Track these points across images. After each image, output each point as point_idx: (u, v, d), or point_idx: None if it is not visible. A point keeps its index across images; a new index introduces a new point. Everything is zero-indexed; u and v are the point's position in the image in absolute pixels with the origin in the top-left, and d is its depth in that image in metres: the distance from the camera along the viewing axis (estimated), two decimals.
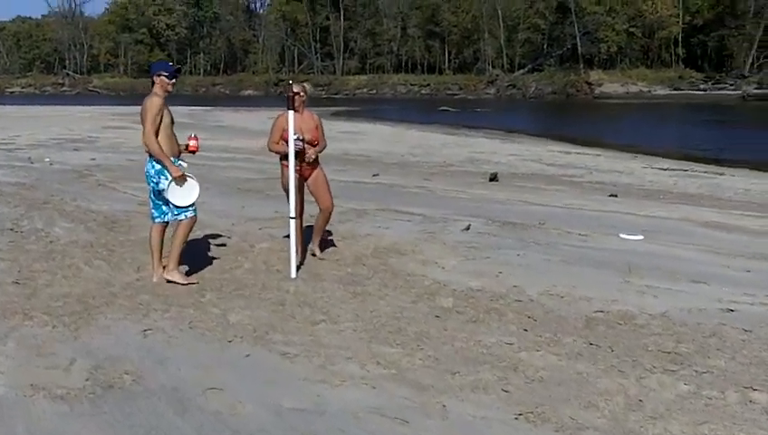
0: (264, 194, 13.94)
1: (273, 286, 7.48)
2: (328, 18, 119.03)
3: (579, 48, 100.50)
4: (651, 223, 11.47)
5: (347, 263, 8.52)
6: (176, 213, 7.57)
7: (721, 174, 20.12)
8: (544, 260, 8.66)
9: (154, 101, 7.41)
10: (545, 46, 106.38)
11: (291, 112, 7.75)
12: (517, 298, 7.09)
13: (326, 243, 9.29)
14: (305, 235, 8.83)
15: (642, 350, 5.73)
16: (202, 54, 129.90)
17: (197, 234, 9.50)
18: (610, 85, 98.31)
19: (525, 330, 6.17)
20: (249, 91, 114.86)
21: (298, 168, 8.31)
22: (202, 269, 8.12)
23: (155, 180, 7.52)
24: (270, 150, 8.50)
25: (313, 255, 8.80)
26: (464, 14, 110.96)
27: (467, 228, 10.49)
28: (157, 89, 7.58)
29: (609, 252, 9.20)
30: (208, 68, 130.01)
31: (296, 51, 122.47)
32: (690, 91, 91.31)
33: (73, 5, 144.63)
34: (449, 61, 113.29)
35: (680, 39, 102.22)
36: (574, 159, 23.58)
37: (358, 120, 48.09)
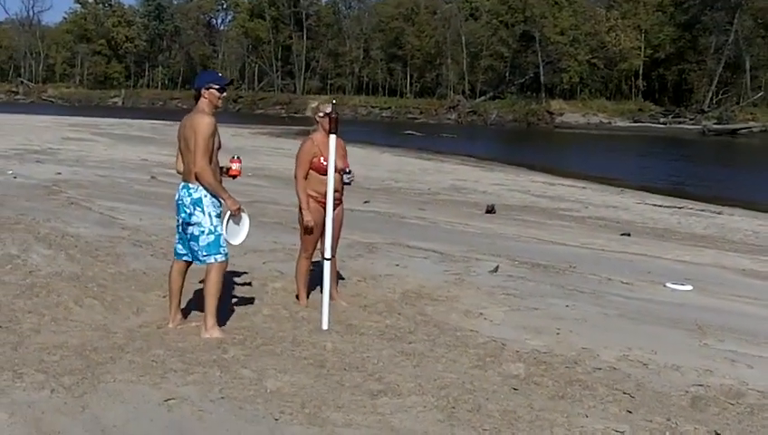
0: (255, 220, 12.77)
1: (305, 341, 6.34)
2: (291, 37, 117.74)
3: (541, 77, 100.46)
4: (688, 270, 10.55)
5: (378, 311, 7.42)
6: (204, 253, 6.41)
7: (719, 213, 19.39)
8: (600, 314, 7.64)
9: (206, 121, 6.27)
10: (507, 74, 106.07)
11: (333, 137, 6.66)
12: (595, 365, 6.05)
13: (341, 281, 8.18)
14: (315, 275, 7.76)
15: None
16: (160, 68, 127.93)
17: (198, 272, 8.38)
18: (571, 115, 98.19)
19: (629, 412, 5.12)
20: None
21: (322, 201, 7.23)
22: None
23: (188, 211, 6.41)
24: (297, 187, 7.35)
25: (332, 299, 7.70)
26: (427, 38, 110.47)
27: (495, 270, 9.47)
28: (204, 105, 6.42)
29: (665, 305, 8.23)
30: (166, 82, 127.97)
31: (257, 68, 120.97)
32: (650, 124, 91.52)
33: (31, 13, 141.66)
34: (411, 84, 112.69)
35: (641, 72, 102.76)
36: (562, 192, 22.77)
37: None
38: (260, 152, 33.05)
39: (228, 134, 47.18)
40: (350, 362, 5.83)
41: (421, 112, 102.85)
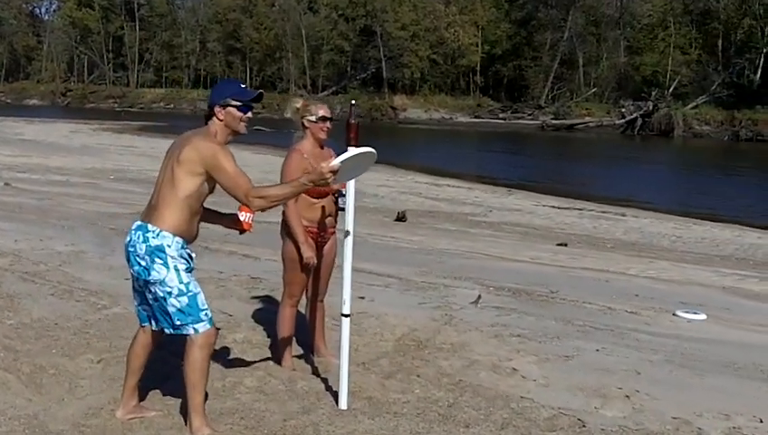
0: None
1: (331, 431, 4.64)
2: (122, 27, 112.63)
3: (383, 72, 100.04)
4: (671, 290, 9.47)
5: (387, 372, 5.76)
6: (178, 321, 4.40)
7: (623, 215, 18.64)
8: (644, 361, 6.27)
9: (219, 148, 4.42)
10: (349, 69, 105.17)
11: (353, 151, 4.94)
12: None
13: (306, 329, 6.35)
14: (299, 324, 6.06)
15: None
16: None
17: (111, 313, 6.52)
18: (414, 111, 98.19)
19: None
20: (34, 101, 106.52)
21: (314, 230, 5.64)
22: (175, 392, 4.99)
23: (142, 263, 4.37)
24: (289, 214, 5.60)
25: (319, 354, 6.07)
26: (266, 31, 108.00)
27: (477, 301, 8.02)
28: (217, 128, 4.53)
29: (702, 344, 6.99)
30: None
31: (87, 60, 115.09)
32: (490, 120, 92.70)
33: None
34: (251, 78, 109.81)
35: (479, 68, 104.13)
36: (453, 193, 21.59)
37: (173, 137, 44.23)
38: (110, 151, 30.35)
39: (67, 130, 43.96)
40: None
41: (263, 107, 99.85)
